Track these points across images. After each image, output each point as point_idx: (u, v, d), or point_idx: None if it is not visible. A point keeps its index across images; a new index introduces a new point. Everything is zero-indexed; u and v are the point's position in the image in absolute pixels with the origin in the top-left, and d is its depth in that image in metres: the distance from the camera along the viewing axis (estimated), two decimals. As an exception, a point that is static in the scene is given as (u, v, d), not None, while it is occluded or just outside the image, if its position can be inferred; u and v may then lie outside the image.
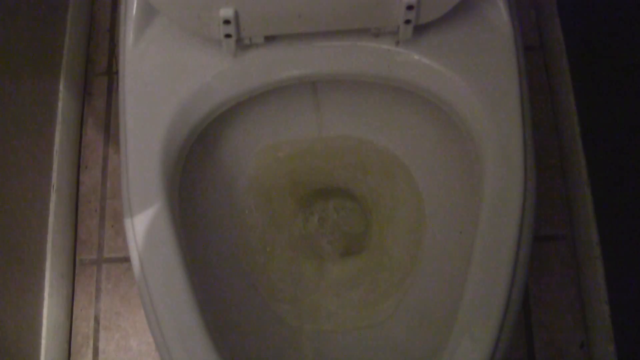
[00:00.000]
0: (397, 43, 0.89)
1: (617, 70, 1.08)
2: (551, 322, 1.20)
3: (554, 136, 1.29)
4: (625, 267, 1.08)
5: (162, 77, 0.89)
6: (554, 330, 1.19)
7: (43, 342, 1.16)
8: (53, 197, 1.23)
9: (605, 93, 1.13)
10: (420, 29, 0.88)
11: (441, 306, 0.93)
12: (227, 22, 0.82)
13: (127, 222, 0.84)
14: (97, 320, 1.24)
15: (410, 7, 0.82)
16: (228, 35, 0.84)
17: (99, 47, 1.42)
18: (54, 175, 1.24)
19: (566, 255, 1.23)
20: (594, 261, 1.14)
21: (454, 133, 0.93)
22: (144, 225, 0.82)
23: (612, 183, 1.12)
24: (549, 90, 1.33)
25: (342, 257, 1.08)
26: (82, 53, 1.39)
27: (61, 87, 1.28)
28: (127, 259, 1.27)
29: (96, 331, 1.24)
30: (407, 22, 0.84)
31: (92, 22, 1.44)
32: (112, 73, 1.40)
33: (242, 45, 0.88)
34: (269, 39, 0.89)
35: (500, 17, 0.89)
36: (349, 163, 1.11)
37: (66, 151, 1.28)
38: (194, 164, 0.96)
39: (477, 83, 0.87)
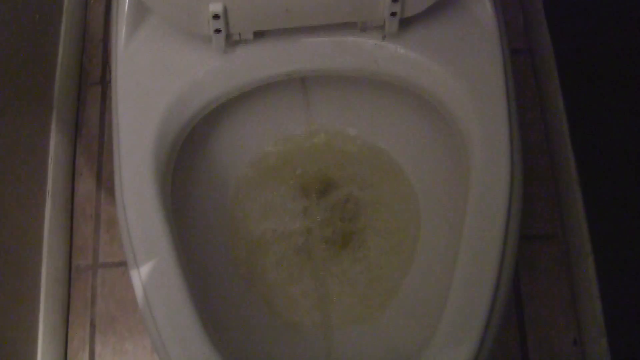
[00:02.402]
0: (384, 37, 0.90)
1: (605, 72, 1.09)
2: (544, 320, 1.20)
3: (543, 136, 1.31)
4: (616, 263, 1.09)
5: (154, 75, 0.90)
6: (547, 328, 1.19)
7: (39, 347, 1.16)
8: (48, 203, 1.23)
9: (593, 94, 1.14)
10: (406, 23, 0.89)
11: (433, 302, 0.94)
12: (216, 17, 0.83)
13: (122, 221, 0.84)
14: (93, 325, 1.24)
15: (395, 0, 0.83)
16: (217, 31, 0.85)
17: (92, 56, 1.44)
18: (49, 182, 1.25)
19: (558, 253, 1.24)
20: (585, 258, 1.15)
21: (443, 126, 0.94)
22: (138, 224, 0.83)
23: (602, 180, 1.13)
24: (537, 91, 1.34)
25: (337, 254, 1.09)
26: (76, 63, 1.41)
27: (55, 97, 1.30)
28: (122, 264, 1.27)
29: (92, 335, 1.24)
30: (393, 14, 0.85)
31: (86, 32, 1.46)
32: (105, 82, 1.41)
33: (231, 41, 0.90)
34: (258, 35, 0.90)
35: (484, 10, 0.90)
36: (340, 159, 1.12)
37: (61, 158, 1.29)
38: (186, 163, 0.97)
39: (462, 75, 0.88)
